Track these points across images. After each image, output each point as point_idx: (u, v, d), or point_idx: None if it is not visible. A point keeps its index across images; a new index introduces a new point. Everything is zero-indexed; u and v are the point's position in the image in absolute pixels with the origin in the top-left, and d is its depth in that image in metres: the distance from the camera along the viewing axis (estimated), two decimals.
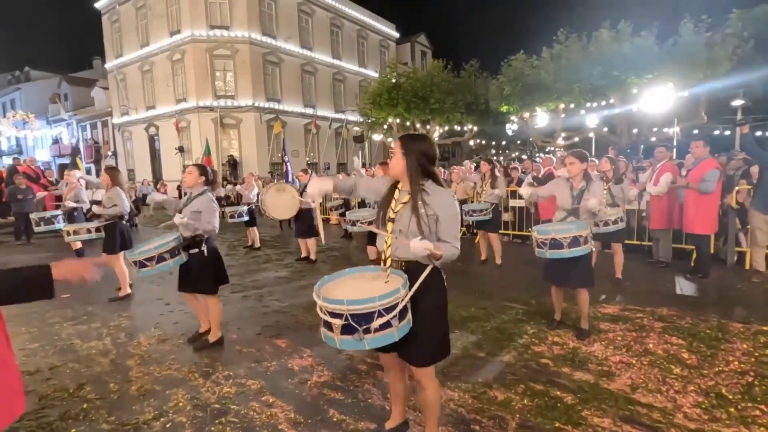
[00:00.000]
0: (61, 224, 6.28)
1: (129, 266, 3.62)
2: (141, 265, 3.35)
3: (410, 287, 1.86)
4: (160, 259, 3.36)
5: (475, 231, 8.54)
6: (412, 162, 1.97)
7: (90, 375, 3.16)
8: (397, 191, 2.07)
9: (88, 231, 5.40)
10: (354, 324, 1.68)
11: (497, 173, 6.27)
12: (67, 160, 27.40)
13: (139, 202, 16.43)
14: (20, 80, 37.44)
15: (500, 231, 6.79)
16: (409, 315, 1.86)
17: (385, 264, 2.00)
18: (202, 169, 3.63)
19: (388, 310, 1.71)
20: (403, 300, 1.77)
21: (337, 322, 1.68)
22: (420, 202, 1.93)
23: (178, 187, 18.02)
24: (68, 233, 5.48)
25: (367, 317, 1.68)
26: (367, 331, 1.69)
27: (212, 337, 3.63)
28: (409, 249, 1.92)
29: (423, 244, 1.79)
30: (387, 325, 1.72)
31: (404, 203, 1.98)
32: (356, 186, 2.22)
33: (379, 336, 1.71)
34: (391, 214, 1.99)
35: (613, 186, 5.12)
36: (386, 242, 2.01)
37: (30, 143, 32.00)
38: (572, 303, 3.94)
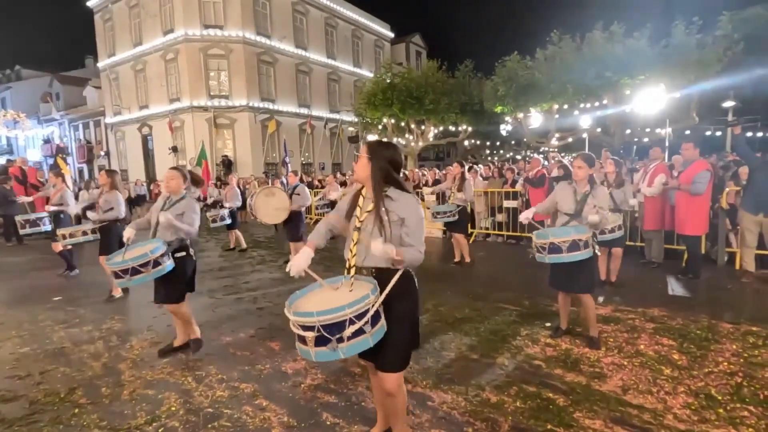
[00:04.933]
0: (47, 226, 6.13)
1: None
2: (134, 272, 3.08)
3: (381, 293, 1.85)
4: (156, 263, 3.15)
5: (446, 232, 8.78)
6: (376, 168, 1.97)
7: (81, 379, 3.13)
8: (361, 198, 2.06)
9: (84, 233, 5.27)
10: (326, 335, 1.67)
11: (467, 176, 6.40)
12: None
13: (133, 203, 16.32)
14: (11, 79, 36.97)
15: (468, 231, 6.93)
16: (383, 320, 1.85)
17: (349, 272, 1.97)
18: (183, 173, 3.54)
19: (359, 316, 1.70)
20: (373, 306, 1.76)
21: (310, 335, 1.67)
22: (383, 209, 1.93)
23: None
24: (63, 236, 5.33)
25: (339, 326, 1.67)
26: (340, 340, 1.68)
27: (194, 334, 3.57)
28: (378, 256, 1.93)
29: (386, 248, 1.81)
30: (360, 332, 1.71)
31: (369, 211, 1.97)
32: (331, 224, 2.15)
33: (353, 343, 1.71)
34: (357, 223, 1.98)
35: (614, 191, 5.04)
36: (351, 251, 1.98)
37: (21, 143, 31.63)
38: (576, 307, 3.92)
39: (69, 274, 6.36)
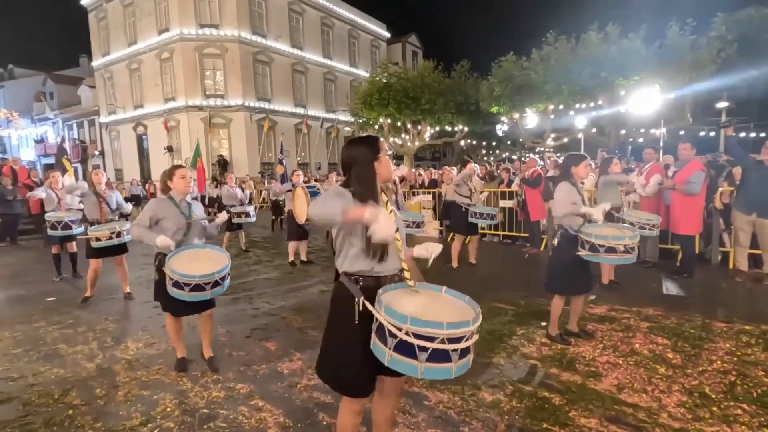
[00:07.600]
0: (80, 228, 5.57)
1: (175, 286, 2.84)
2: (197, 288, 2.80)
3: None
4: (216, 284, 2.91)
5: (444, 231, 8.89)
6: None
7: (76, 380, 3.11)
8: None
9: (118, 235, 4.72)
10: (449, 346, 1.51)
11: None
12: (52, 160, 26.93)
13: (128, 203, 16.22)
14: (3, 78, 36.60)
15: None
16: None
17: (408, 278, 1.80)
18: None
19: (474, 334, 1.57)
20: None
21: (429, 345, 1.48)
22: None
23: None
24: (97, 239, 4.67)
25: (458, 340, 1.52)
26: (464, 353, 1.55)
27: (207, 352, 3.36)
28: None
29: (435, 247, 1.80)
30: (467, 351, 1.57)
31: (390, 210, 1.82)
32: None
33: (464, 363, 1.56)
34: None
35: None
36: (400, 252, 1.78)
37: (14, 142, 31.41)
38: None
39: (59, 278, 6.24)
